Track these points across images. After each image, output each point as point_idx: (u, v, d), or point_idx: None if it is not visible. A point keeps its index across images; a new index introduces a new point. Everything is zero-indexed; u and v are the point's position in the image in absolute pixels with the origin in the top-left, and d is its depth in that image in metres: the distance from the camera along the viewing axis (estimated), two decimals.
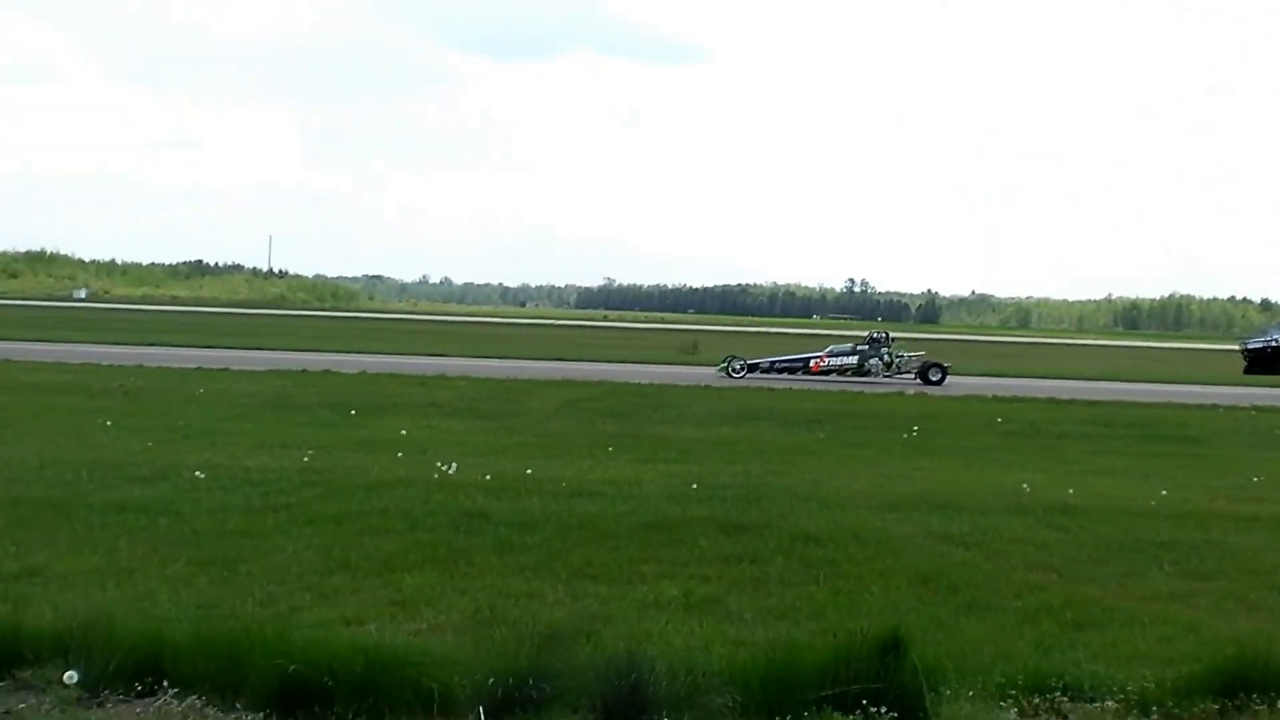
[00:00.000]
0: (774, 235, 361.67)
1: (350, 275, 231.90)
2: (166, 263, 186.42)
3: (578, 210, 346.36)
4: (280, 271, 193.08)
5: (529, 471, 14.95)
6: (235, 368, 32.28)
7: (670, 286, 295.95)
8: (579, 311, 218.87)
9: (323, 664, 6.79)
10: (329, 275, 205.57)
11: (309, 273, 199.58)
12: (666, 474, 15.80)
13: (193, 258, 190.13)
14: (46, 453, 15.37)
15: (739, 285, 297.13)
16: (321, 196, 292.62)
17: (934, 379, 37.90)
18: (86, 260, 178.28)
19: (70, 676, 6.67)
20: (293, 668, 6.73)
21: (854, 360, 39.11)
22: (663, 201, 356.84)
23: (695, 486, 14.48)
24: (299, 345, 47.26)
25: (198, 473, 13.92)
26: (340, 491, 13.36)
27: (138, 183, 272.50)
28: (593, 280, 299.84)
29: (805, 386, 34.69)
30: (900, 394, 32.93)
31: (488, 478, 14.42)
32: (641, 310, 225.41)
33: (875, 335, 40.87)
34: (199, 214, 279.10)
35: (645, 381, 32.93)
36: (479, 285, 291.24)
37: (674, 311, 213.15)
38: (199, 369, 31.29)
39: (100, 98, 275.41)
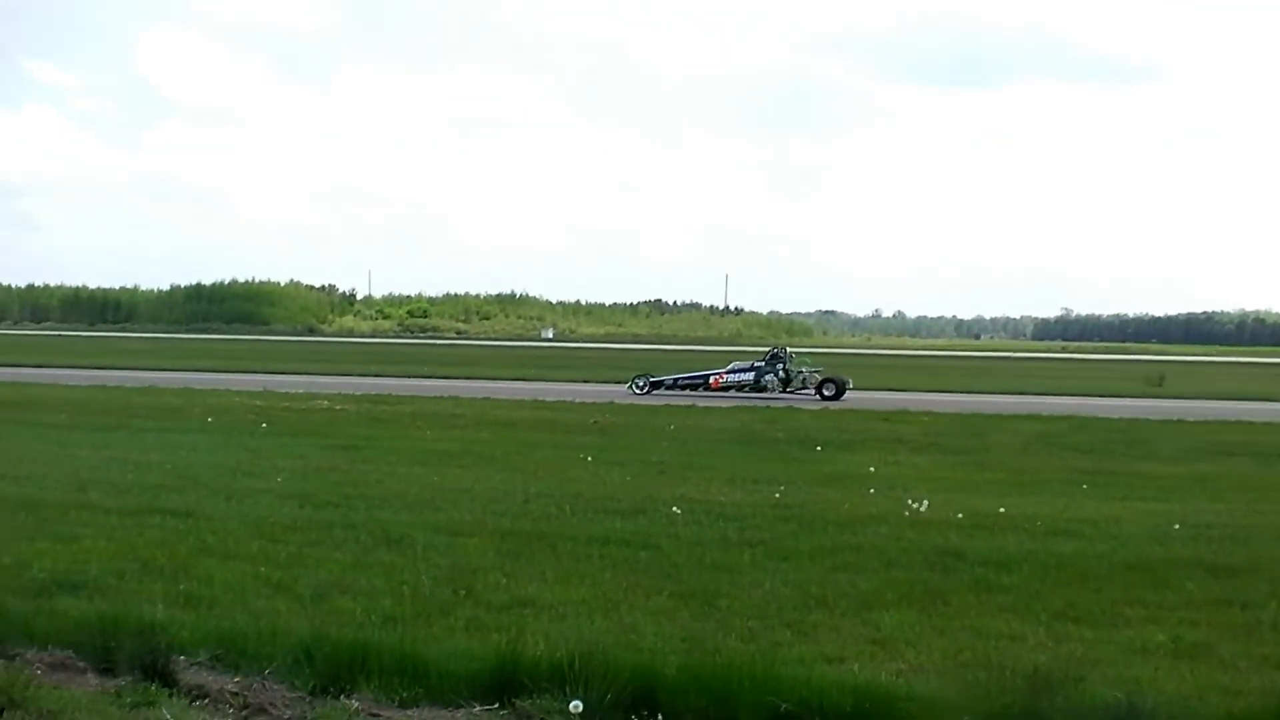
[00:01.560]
0: (1239, 258, 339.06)
1: (803, 310, 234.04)
2: (627, 302, 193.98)
3: (1030, 239, 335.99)
4: (735, 308, 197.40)
5: (1001, 509, 14.54)
6: (701, 404, 33.09)
7: (1130, 315, 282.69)
8: (1035, 343, 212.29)
9: (811, 702, 6.78)
10: (782, 311, 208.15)
11: (763, 309, 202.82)
12: (1145, 512, 15.05)
13: (652, 297, 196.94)
14: (530, 487, 16.16)
15: (1203, 313, 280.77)
16: (774, 234, 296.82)
17: (827, 393, 38.46)
18: (553, 302, 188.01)
19: (575, 706, 6.89)
20: (784, 706, 6.74)
21: (750, 377, 40.03)
22: (1117, 227, 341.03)
23: (1178, 526, 13.71)
24: None
25: (674, 508, 14.26)
26: (813, 527, 13.42)
27: (596, 225, 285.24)
28: (1049, 310, 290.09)
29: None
30: None
31: (959, 515, 14.13)
32: (1100, 340, 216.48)
33: (775, 351, 41.81)
34: (656, 254, 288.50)
35: (1114, 415, 31.58)
36: (932, 318, 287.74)
37: (1135, 341, 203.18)
38: (667, 406, 32.30)
39: (564, 144, 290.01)
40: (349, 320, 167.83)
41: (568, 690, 7.13)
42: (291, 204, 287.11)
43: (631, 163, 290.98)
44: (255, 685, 7.50)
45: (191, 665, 7.82)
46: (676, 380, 40.70)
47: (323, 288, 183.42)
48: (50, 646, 8.15)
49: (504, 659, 7.64)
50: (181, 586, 9.94)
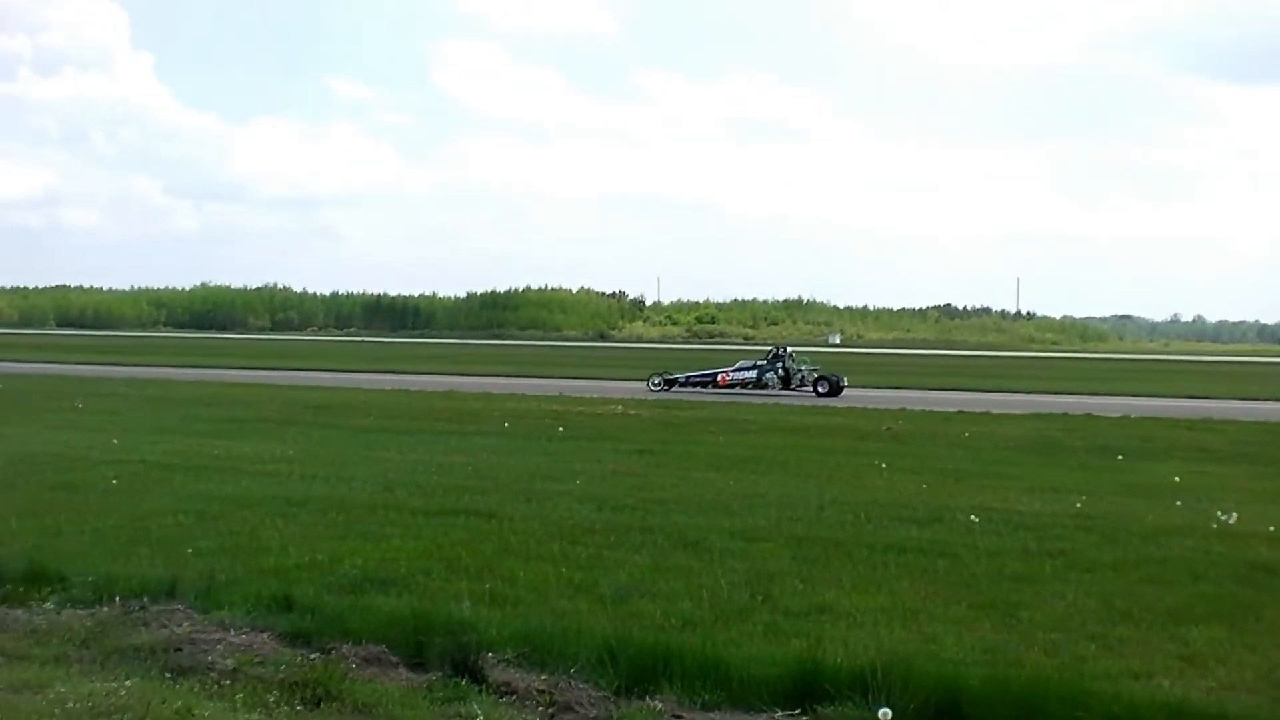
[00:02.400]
0: None
1: (1099, 315, 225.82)
2: (915, 307, 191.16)
3: None
4: (1028, 313, 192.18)
5: None
6: (995, 410, 32.44)
7: None
8: None
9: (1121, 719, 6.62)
10: (1076, 316, 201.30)
11: (1056, 314, 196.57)
12: None
13: (940, 302, 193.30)
14: (824, 493, 16.18)
15: None
16: (1067, 236, 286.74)
17: (822, 390, 39.69)
18: (840, 307, 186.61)
19: (885, 714, 6.90)
20: None
21: (753, 375, 41.35)
22: None
23: None
24: (1052, 387, 46.67)
25: (972, 516, 14.09)
26: (1116, 538, 13.05)
27: (882, 230, 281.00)
28: None
29: None
30: None
31: (1271, 529, 13.53)
32: None
33: (776, 351, 42.88)
34: (944, 258, 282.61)
35: None
36: (1233, 323, 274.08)
37: None
38: (960, 412, 31.77)
39: (843, 149, 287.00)
40: (638, 326, 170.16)
41: (870, 698, 7.14)
42: (582, 211, 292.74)
43: (916, 165, 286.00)
44: (561, 683, 7.76)
45: (499, 662, 8.14)
46: (689, 378, 42.28)
47: (612, 294, 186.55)
48: (364, 641, 8.59)
49: (805, 665, 7.71)
50: (486, 585, 10.33)
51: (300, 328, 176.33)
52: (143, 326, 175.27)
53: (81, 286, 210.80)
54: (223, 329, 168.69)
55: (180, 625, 8.86)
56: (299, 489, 15.83)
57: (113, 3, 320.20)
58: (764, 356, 42.74)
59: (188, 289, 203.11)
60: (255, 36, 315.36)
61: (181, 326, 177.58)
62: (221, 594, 9.67)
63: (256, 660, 8.12)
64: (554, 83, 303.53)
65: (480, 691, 7.70)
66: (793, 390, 40.59)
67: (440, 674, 8.05)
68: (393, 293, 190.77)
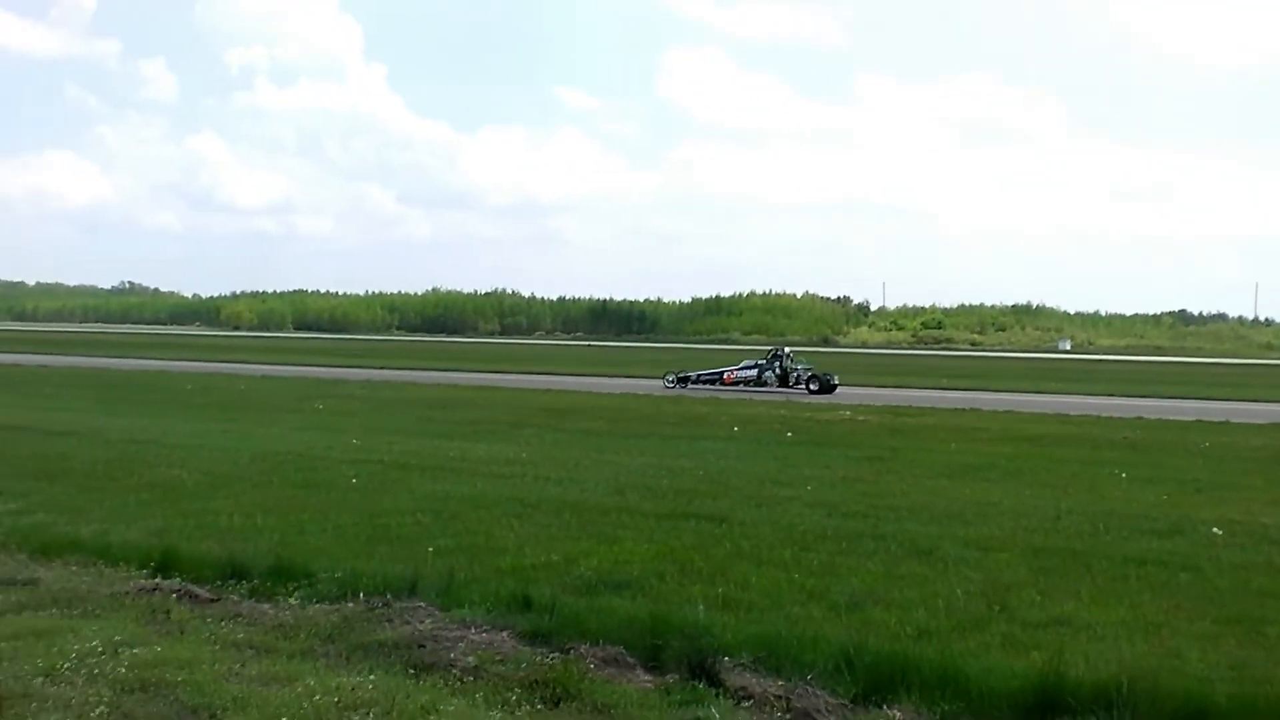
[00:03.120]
0: None
1: None
2: (1148, 313, 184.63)
3: None
4: (1266, 320, 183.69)
5: None
6: (1234, 420, 31.21)
7: None
8: None
9: None
10: None
11: None
12: None
13: (1174, 308, 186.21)
14: (1060, 503, 15.81)
15: None
16: None
17: (814, 388, 42.42)
18: (1070, 312, 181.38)
19: None
20: None
21: (754, 373, 44.48)
22: None
23: None
24: None
25: (1214, 529, 13.62)
26: None
27: (1114, 234, 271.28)
28: None
29: None
30: None
31: None
32: None
33: (775, 352, 46.33)
34: (1179, 263, 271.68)
35: None
36: None
37: None
38: (1198, 421, 30.68)
39: (1065, 152, 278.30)
40: (863, 332, 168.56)
41: (1114, 714, 6.96)
42: (806, 216, 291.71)
43: (1148, 168, 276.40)
44: (798, 689, 7.76)
45: (735, 667, 8.16)
46: (700, 376, 45.62)
47: (837, 299, 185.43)
48: (601, 642, 8.69)
49: (1045, 678, 7.56)
50: (719, 590, 10.37)
51: (528, 332, 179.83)
52: (376, 330, 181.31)
53: (317, 291, 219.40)
54: (453, 333, 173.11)
55: (422, 622, 9.11)
56: (532, 490, 16.14)
57: (347, 15, 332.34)
58: (764, 356, 46.08)
59: (419, 294, 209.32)
60: (484, 48, 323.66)
61: (413, 330, 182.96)
62: (461, 592, 9.93)
63: (497, 658, 8.31)
64: (775, 88, 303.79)
65: (718, 695, 7.74)
66: (789, 388, 43.09)
67: (677, 677, 8.13)
68: (618, 297, 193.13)
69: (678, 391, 41.89)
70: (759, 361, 45.29)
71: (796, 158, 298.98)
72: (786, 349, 47.48)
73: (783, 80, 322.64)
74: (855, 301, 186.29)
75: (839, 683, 7.79)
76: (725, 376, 44.95)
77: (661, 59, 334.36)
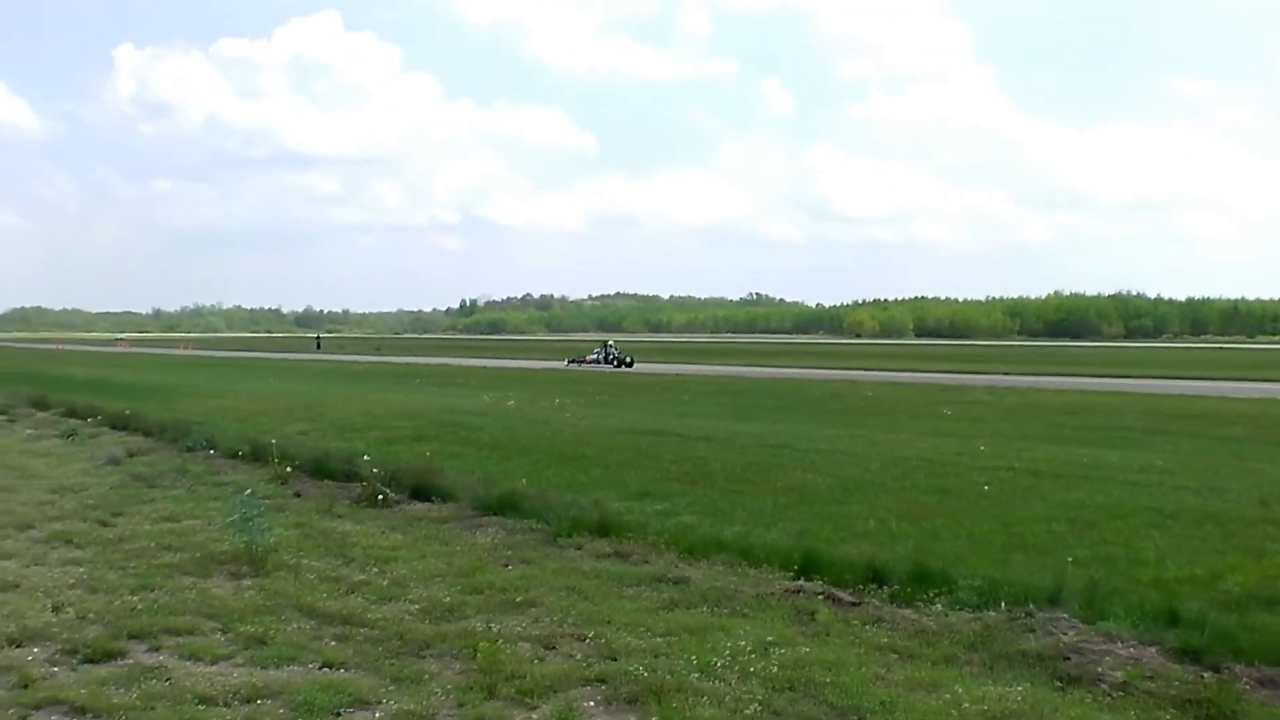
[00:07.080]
0: None
1: None
2: None
3: None
4: None
5: None
6: None
7: None
8: None
9: None
10: None
11: None
12: None
13: None
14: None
15: None
16: None
17: (614, 366, 63.69)
18: None
19: None
20: None
21: (599, 355, 66.68)
22: None
23: None
24: None
25: None
26: None
27: None
28: None
29: None
30: None
31: None
32: None
33: (605, 343, 69.65)
34: None
35: None
36: None
37: None
38: None
39: None
40: None
41: None
42: None
43: None
44: None
45: None
46: (583, 359, 67.38)
47: None
48: (1256, 662, 8.25)
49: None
50: None
51: (1154, 335, 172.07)
52: (996, 335, 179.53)
53: (937, 298, 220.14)
54: (1075, 336, 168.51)
55: (1066, 634, 9.00)
56: (1170, 500, 15.44)
57: (954, 20, 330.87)
58: (599, 345, 69.78)
59: (1040, 297, 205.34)
60: (1091, 41, 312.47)
61: (1034, 335, 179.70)
62: (1104, 604, 9.71)
63: (1146, 675, 8.08)
64: None
65: None
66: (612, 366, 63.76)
67: None
68: (1250, 297, 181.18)
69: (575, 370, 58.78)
70: (596, 350, 68.80)
71: None
72: (610, 340, 69.54)
73: None
74: None
75: None
76: (585, 359, 67.09)
77: None
